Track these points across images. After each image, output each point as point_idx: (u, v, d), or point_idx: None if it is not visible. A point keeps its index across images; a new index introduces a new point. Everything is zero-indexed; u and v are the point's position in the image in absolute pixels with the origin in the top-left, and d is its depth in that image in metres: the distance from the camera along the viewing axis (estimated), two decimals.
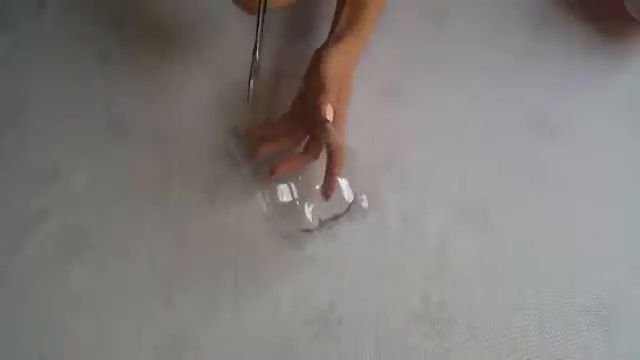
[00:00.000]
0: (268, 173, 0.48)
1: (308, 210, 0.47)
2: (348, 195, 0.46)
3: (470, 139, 0.56)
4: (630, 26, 0.60)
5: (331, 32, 0.55)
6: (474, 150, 0.56)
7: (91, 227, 0.54)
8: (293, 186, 0.47)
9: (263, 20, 0.49)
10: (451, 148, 0.56)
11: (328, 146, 0.46)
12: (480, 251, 0.51)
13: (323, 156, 0.47)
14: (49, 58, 0.64)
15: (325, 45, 0.53)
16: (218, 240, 0.52)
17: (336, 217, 0.46)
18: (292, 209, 0.47)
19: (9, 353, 0.49)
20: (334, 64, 0.50)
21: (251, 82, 0.50)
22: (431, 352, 0.47)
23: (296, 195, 0.47)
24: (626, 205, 0.53)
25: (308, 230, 0.47)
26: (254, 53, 0.49)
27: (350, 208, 0.46)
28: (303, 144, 0.52)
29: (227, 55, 0.61)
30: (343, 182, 0.46)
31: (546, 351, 0.47)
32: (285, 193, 0.47)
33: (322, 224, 0.46)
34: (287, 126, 0.54)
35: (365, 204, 0.47)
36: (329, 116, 0.48)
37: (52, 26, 0.66)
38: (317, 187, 0.45)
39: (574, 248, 0.51)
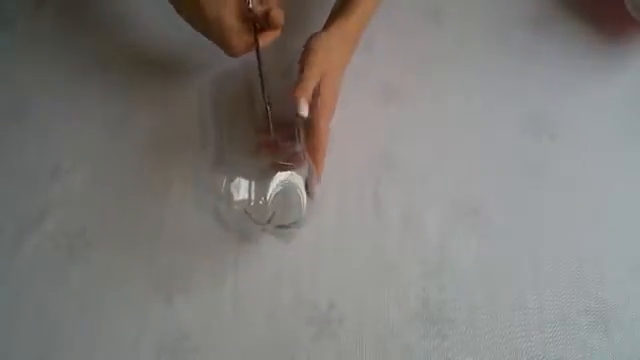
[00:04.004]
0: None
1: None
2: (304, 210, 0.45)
3: (469, 139, 0.56)
4: (630, 26, 0.60)
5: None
6: (473, 150, 0.56)
7: (91, 227, 0.54)
8: (253, 186, 0.46)
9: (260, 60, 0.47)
10: (451, 148, 0.56)
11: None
12: (480, 251, 0.51)
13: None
14: (49, 58, 0.63)
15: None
16: (218, 240, 0.52)
17: (283, 225, 0.45)
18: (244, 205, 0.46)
19: (9, 353, 0.49)
20: (315, 51, 0.47)
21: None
22: (431, 352, 0.47)
23: (252, 195, 0.45)
24: (626, 205, 0.53)
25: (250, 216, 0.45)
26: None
27: (298, 224, 0.45)
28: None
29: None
30: (303, 197, 0.45)
31: (546, 351, 0.47)
32: (243, 191, 0.46)
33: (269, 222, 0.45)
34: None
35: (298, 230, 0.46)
36: (303, 111, 0.44)
37: (52, 26, 0.66)
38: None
39: (574, 248, 0.51)
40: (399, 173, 0.54)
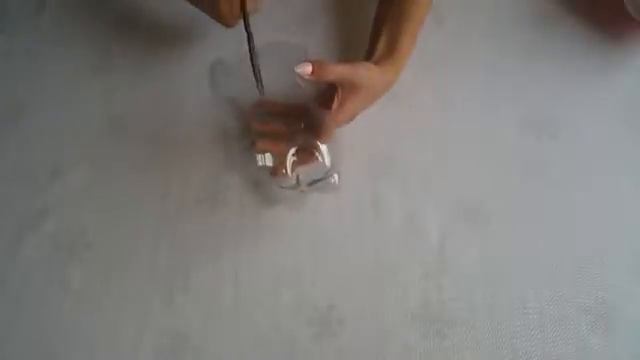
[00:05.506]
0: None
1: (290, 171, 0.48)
2: (328, 162, 0.48)
3: (470, 139, 0.56)
4: (630, 26, 0.60)
5: (369, 53, 0.52)
6: (474, 150, 0.56)
7: (91, 227, 0.54)
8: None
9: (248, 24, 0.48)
10: (451, 148, 0.56)
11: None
12: (480, 251, 0.51)
13: None
14: (49, 58, 0.64)
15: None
16: (218, 240, 0.52)
17: (314, 181, 0.47)
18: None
19: (9, 353, 0.49)
20: (367, 77, 0.48)
21: (257, 72, 0.48)
22: (431, 352, 0.47)
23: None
24: (626, 205, 0.53)
25: (285, 187, 0.48)
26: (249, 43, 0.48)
27: (327, 176, 0.47)
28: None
29: (227, 54, 0.61)
30: (324, 149, 0.48)
31: (546, 351, 0.47)
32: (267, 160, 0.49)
33: (298, 184, 0.47)
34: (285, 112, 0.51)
35: (336, 180, 0.48)
36: (300, 67, 0.43)
37: (52, 26, 0.66)
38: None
39: (574, 248, 0.51)
40: (399, 173, 0.55)
